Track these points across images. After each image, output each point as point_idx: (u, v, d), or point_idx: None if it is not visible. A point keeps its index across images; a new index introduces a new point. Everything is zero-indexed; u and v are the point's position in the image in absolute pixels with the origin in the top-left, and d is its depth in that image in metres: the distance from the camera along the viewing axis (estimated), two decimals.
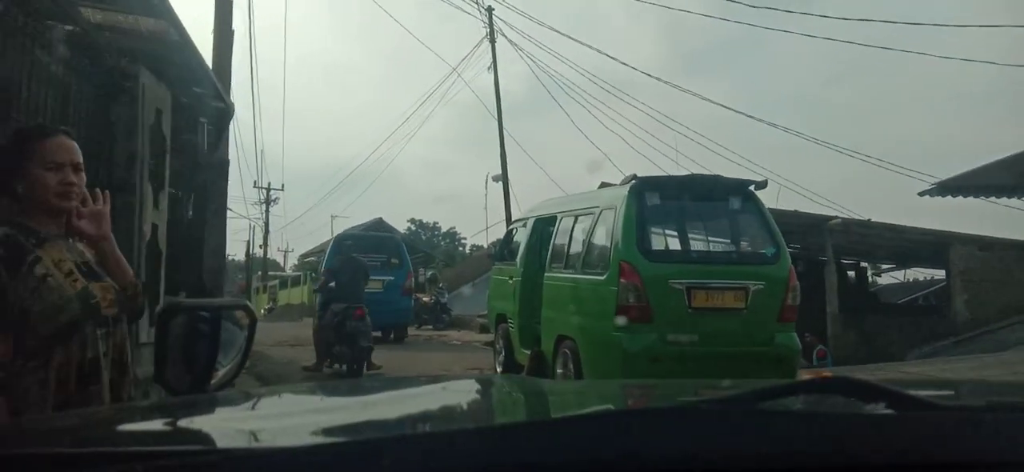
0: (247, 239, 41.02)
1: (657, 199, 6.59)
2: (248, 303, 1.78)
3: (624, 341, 6.09)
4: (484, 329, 16.80)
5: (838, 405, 0.85)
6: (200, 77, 6.65)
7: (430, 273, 20.25)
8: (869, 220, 13.35)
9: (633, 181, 6.60)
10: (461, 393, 1.31)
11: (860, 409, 0.83)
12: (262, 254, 45.97)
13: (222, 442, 0.88)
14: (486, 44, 17.05)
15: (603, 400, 1.32)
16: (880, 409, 0.81)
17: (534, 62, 21.66)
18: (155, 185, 4.66)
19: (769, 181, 7.18)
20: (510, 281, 8.69)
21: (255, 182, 40.02)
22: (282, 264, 51.68)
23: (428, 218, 59.26)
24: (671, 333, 6.12)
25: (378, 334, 11.60)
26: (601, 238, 6.80)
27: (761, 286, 6.47)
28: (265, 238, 44.18)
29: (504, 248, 9.38)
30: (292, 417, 1.09)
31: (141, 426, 1.06)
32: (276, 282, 42.89)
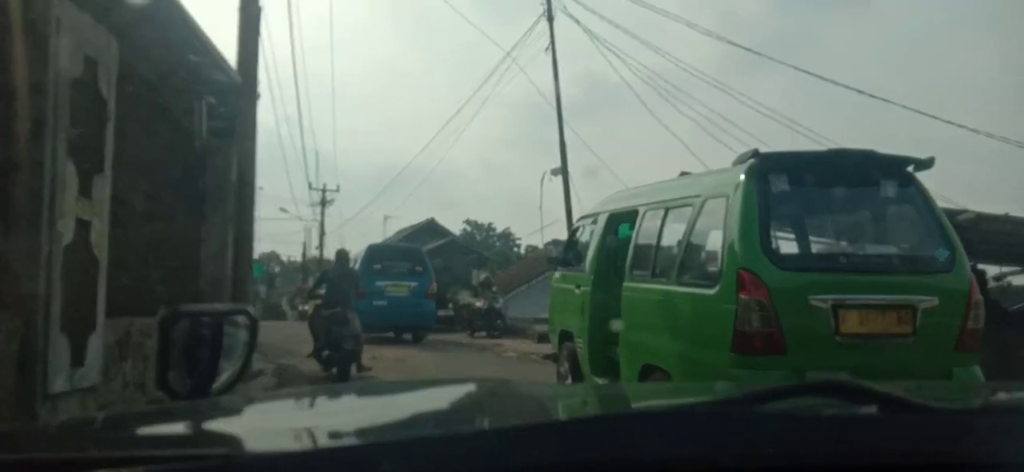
0: (303, 240, 40.72)
1: (785, 183, 4.81)
2: (250, 309, 1.70)
3: (745, 380, 4.36)
4: (543, 339, 15.18)
5: (833, 407, 0.86)
6: (190, 40, 5.25)
7: (483, 276, 18.74)
8: (1007, 214, 11.02)
9: (752, 158, 4.83)
10: (463, 396, 1.30)
11: (855, 411, 0.85)
12: (318, 256, 45.69)
13: (222, 446, 0.90)
14: (542, 24, 15.35)
15: (599, 403, 1.31)
16: (875, 411, 0.83)
17: (595, 39, 19.84)
18: (83, 165, 3.23)
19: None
20: (577, 291, 7.05)
21: (310, 183, 39.58)
22: None
23: (482, 218, 58.27)
24: (812, 369, 4.35)
25: (408, 336, 14.73)
26: (707, 238, 5.09)
27: (933, 303, 4.63)
28: (321, 239, 43.78)
29: (568, 251, 7.72)
30: (292, 421, 1.09)
31: (144, 430, 1.06)
32: None
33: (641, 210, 6.10)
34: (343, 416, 1.15)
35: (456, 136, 65.23)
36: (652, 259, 5.72)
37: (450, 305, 19.62)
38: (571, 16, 15.42)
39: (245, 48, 9.42)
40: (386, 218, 37.85)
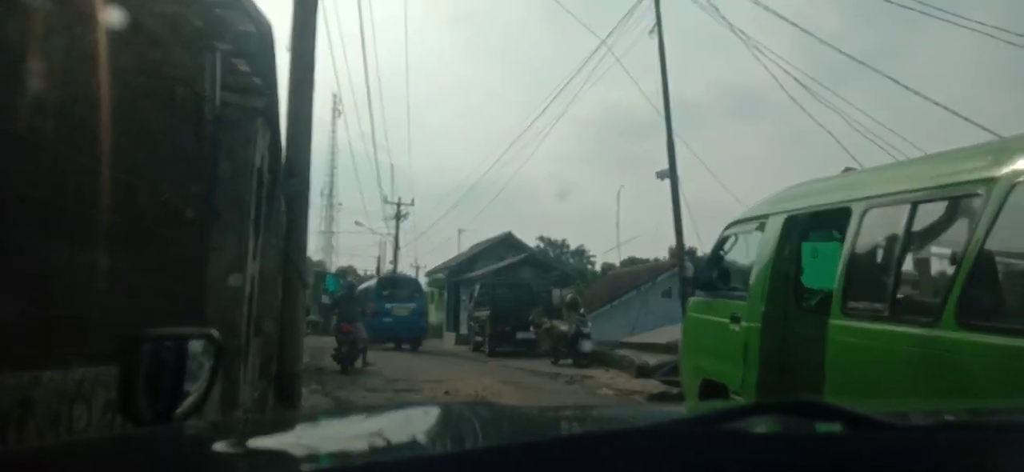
0: (378, 254, 39.96)
1: None
2: (213, 332, 1.51)
3: None
4: (644, 372, 12.97)
5: (797, 426, 0.87)
6: None
7: (569, 296, 16.55)
8: None
9: None
10: (428, 418, 1.28)
11: (818, 429, 0.86)
12: (393, 269, 44.82)
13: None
14: (642, 6, 13.22)
15: (567, 423, 1.29)
16: (837, 429, 0.84)
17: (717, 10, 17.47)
18: None
19: None
20: (734, 327, 4.93)
21: (385, 197, 38.73)
22: (416, 279, 50.52)
23: (556, 235, 56.39)
24: None
25: (406, 346, 19.21)
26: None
27: None
28: (396, 254, 42.87)
29: (711, 268, 5.58)
30: (250, 446, 1.09)
31: (107, 457, 1.02)
32: None
33: (857, 209, 3.92)
34: (304, 441, 1.13)
35: (534, 146, 63.52)
36: (891, 285, 3.55)
37: (531, 328, 17.60)
38: None
39: (301, 19, 7.83)
40: (460, 232, 36.41)
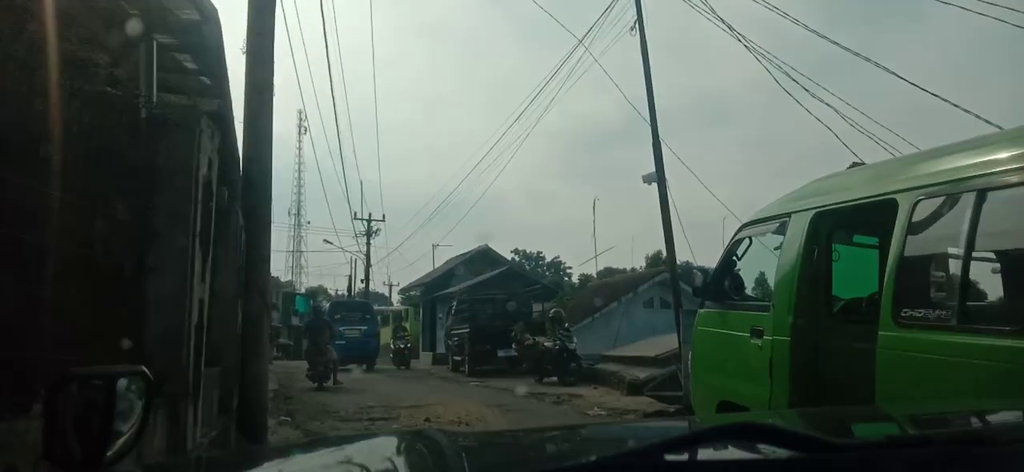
0: (349, 273, 38.95)
1: None
2: (144, 369, 1.45)
3: None
4: (634, 389, 12.39)
5: (745, 451, 0.86)
6: None
7: (553, 310, 15.91)
8: None
9: None
10: (373, 451, 1.26)
11: (766, 455, 0.84)
12: (364, 288, 43.73)
13: None
14: (619, 5, 12.74)
15: (517, 453, 1.27)
16: (788, 452, 0.83)
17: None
18: None
19: None
20: (754, 341, 4.38)
21: (355, 213, 37.77)
22: (388, 297, 49.54)
23: (530, 247, 55.91)
24: None
25: (353, 366, 19.05)
26: None
27: None
28: (367, 272, 41.84)
29: (723, 276, 5.01)
30: None
31: None
32: (378, 318, 40.24)
33: (905, 201, 3.38)
34: None
35: (508, 157, 62.90)
36: (957, 290, 3.01)
37: (513, 345, 16.91)
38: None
39: (257, 16, 7.15)
40: (434, 246, 35.63)
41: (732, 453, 0.87)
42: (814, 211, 4.18)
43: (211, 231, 4.18)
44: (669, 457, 0.81)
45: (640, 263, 46.57)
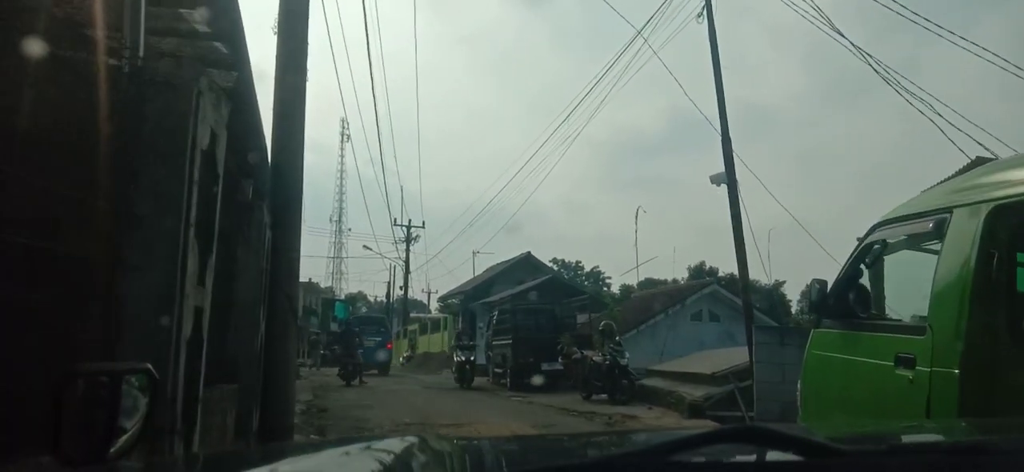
0: (387, 280, 38.55)
1: None
2: (149, 367, 1.43)
3: None
4: (695, 410, 11.30)
5: (748, 454, 0.88)
6: None
7: (603, 323, 14.80)
8: None
9: None
10: (373, 455, 1.22)
11: (769, 458, 0.86)
12: (403, 295, 43.25)
13: None
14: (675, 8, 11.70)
15: (519, 456, 1.26)
16: (788, 457, 0.83)
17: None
18: None
19: None
20: (900, 373, 3.36)
21: (394, 219, 37.29)
22: (427, 304, 49.06)
23: (569, 257, 54.88)
24: None
25: (375, 370, 23.61)
26: None
27: None
28: (406, 278, 41.32)
29: (848, 289, 3.98)
30: None
31: None
32: (416, 326, 39.60)
33: None
34: None
35: (549, 166, 61.95)
36: None
37: (560, 359, 15.89)
38: None
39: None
40: (475, 253, 34.86)
41: (736, 456, 0.88)
42: (991, 205, 3.15)
43: (216, 222, 3.37)
44: (673, 458, 0.82)
45: (682, 275, 45.06)
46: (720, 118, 10.09)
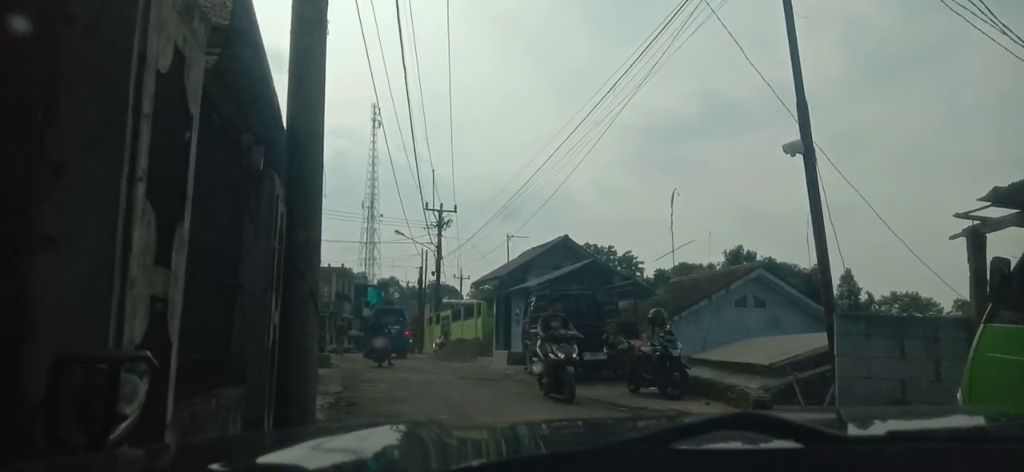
0: (419, 265, 37.99)
1: None
2: (148, 354, 1.44)
3: None
4: (760, 406, 10.22)
5: (750, 441, 0.86)
6: None
7: (653, 310, 13.68)
8: None
9: None
10: (378, 440, 1.21)
11: (770, 445, 0.85)
12: (435, 280, 42.64)
13: None
14: None
15: (520, 442, 1.23)
16: (789, 444, 0.82)
17: None
18: None
19: None
20: None
21: (426, 204, 36.56)
22: (459, 290, 48.47)
23: (601, 242, 53.72)
24: None
25: (394, 354, 24.67)
26: None
27: None
28: (438, 264, 40.68)
29: None
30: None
31: None
32: (449, 312, 38.92)
33: None
34: (266, 462, 1.04)
35: (585, 151, 60.62)
36: None
37: (605, 349, 14.85)
38: None
39: None
40: (509, 237, 34.00)
41: (737, 443, 0.88)
42: None
43: (189, 180, 2.46)
44: (674, 445, 0.81)
45: (718, 259, 43.50)
46: (795, 82, 8.92)
